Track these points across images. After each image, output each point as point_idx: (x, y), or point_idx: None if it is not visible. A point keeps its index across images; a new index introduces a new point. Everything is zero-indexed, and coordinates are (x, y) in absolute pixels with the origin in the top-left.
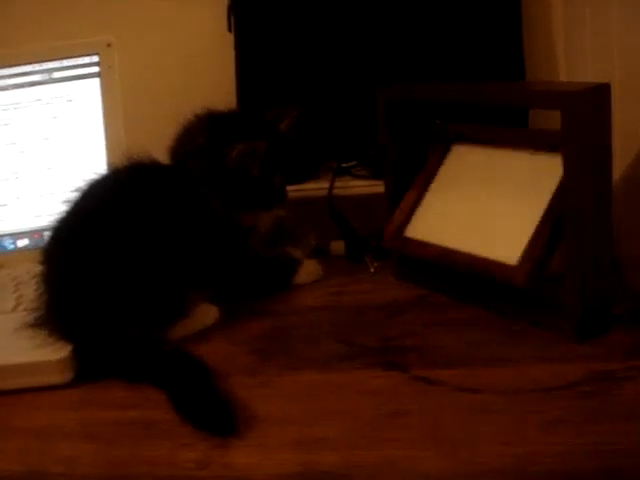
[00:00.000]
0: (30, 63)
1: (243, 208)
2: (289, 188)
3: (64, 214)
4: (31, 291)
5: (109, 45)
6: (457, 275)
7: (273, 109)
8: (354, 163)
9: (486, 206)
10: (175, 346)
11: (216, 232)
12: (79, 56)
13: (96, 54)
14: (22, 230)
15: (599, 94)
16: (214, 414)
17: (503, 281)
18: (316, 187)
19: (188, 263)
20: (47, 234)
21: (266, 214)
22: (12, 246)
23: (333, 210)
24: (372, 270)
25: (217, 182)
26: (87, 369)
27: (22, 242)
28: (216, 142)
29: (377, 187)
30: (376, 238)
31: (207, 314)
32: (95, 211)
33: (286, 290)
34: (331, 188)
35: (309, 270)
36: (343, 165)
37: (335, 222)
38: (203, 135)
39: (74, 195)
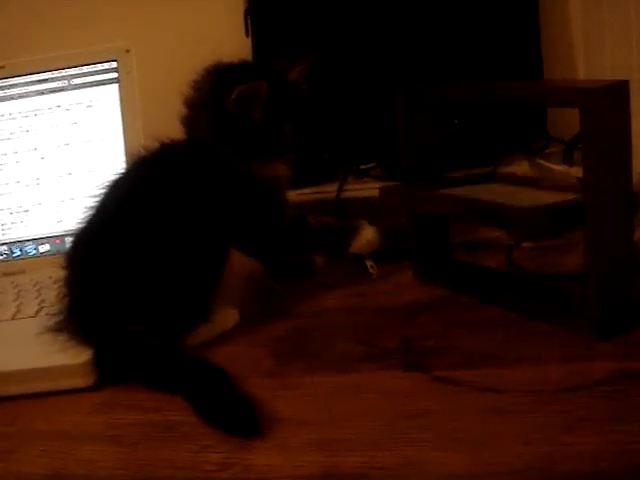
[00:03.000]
0: (50, 70)
1: (253, 157)
2: (307, 190)
3: (85, 219)
4: (53, 296)
5: (127, 51)
6: (479, 275)
7: (284, 60)
8: (373, 165)
9: None
10: (193, 353)
11: (243, 198)
12: (98, 62)
13: (115, 60)
14: (44, 235)
15: (618, 91)
16: (237, 415)
17: (518, 226)
18: (333, 190)
19: (216, 258)
20: (69, 239)
21: (281, 164)
22: (34, 251)
23: (339, 212)
24: (372, 273)
25: (222, 130)
26: (106, 374)
27: (44, 247)
28: (219, 87)
29: None
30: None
31: (227, 318)
32: (115, 214)
33: (342, 259)
34: (340, 190)
35: (368, 238)
36: (362, 167)
37: None
38: (208, 82)
39: (94, 198)
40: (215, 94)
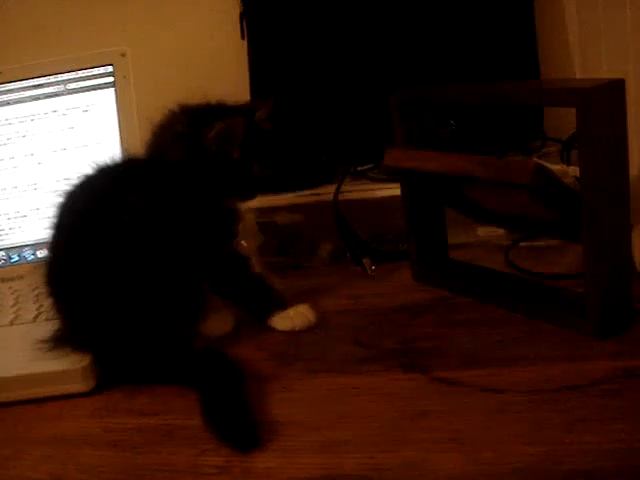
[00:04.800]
0: (45, 75)
1: (225, 194)
2: (305, 193)
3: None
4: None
5: (123, 55)
6: (477, 276)
7: (248, 101)
8: (370, 166)
9: None
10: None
11: (204, 221)
12: (94, 67)
13: (110, 64)
14: (42, 241)
15: (614, 90)
16: (239, 427)
17: (515, 180)
18: (332, 192)
19: (196, 261)
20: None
21: (246, 204)
22: (32, 257)
23: (337, 213)
24: (370, 274)
25: (198, 167)
26: (111, 375)
27: (42, 253)
28: (195, 126)
29: (393, 190)
30: (379, 241)
31: (223, 322)
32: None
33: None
34: (337, 191)
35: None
36: (360, 168)
37: (338, 226)
38: (181, 123)
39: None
40: (192, 133)
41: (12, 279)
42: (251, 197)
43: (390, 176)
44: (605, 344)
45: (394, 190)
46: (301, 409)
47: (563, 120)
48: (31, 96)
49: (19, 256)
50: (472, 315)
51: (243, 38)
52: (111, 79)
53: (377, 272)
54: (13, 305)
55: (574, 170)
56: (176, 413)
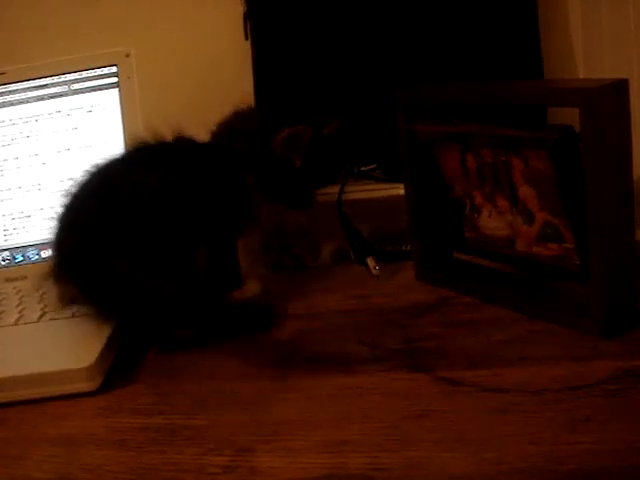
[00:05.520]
0: (50, 76)
1: (274, 198)
2: None
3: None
4: (56, 301)
5: (127, 56)
6: (481, 275)
7: (315, 117)
8: (373, 166)
9: None
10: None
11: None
12: (98, 67)
13: (115, 65)
14: (46, 241)
15: (617, 90)
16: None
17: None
18: (335, 192)
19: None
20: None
21: (290, 214)
22: (36, 257)
23: (341, 213)
24: (374, 273)
25: (260, 166)
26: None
27: (46, 253)
28: (267, 127)
29: (396, 190)
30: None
31: (253, 286)
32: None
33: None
34: (341, 191)
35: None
36: (362, 169)
37: (342, 226)
38: (255, 120)
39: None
40: (263, 133)
41: (16, 279)
42: (298, 208)
43: (394, 176)
44: (609, 344)
45: (398, 190)
46: (305, 409)
47: (566, 120)
48: (35, 96)
49: (23, 256)
50: (476, 315)
51: (247, 38)
52: (115, 79)
53: (381, 272)
54: (17, 305)
55: None
56: (181, 413)
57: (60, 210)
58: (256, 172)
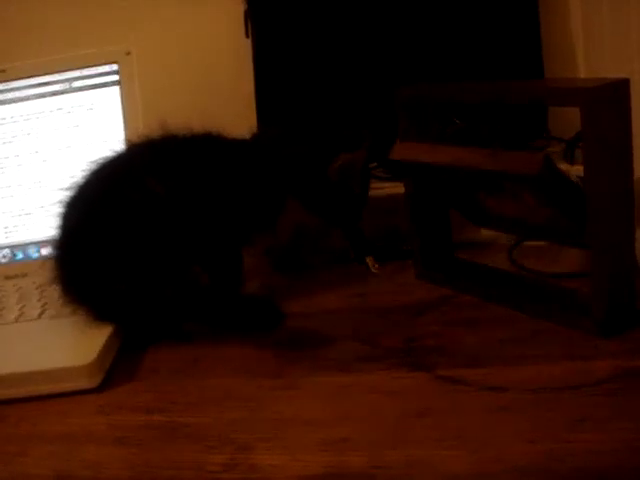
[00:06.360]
0: (50, 73)
1: (325, 218)
2: None
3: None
4: (56, 299)
5: (128, 53)
6: (481, 274)
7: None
8: (374, 165)
9: None
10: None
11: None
12: (99, 65)
13: (115, 62)
14: (46, 238)
15: (618, 90)
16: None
17: (519, 173)
18: None
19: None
20: None
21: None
22: (36, 254)
23: None
24: (373, 271)
25: (311, 191)
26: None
27: (46, 250)
28: (320, 153)
29: (397, 188)
30: (383, 240)
31: (253, 287)
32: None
33: None
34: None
35: None
36: None
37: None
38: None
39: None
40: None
41: (16, 276)
42: (346, 225)
43: (394, 174)
44: (609, 343)
45: (398, 188)
46: (305, 407)
47: (567, 119)
48: (36, 94)
49: (23, 253)
50: (476, 314)
51: (247, 36)
52: (116, 77)
53: (381, 271)
54: (17, 302)
55: (578, 170)
56: (181, 410)
57: (62, 215)
58: (304, 195)
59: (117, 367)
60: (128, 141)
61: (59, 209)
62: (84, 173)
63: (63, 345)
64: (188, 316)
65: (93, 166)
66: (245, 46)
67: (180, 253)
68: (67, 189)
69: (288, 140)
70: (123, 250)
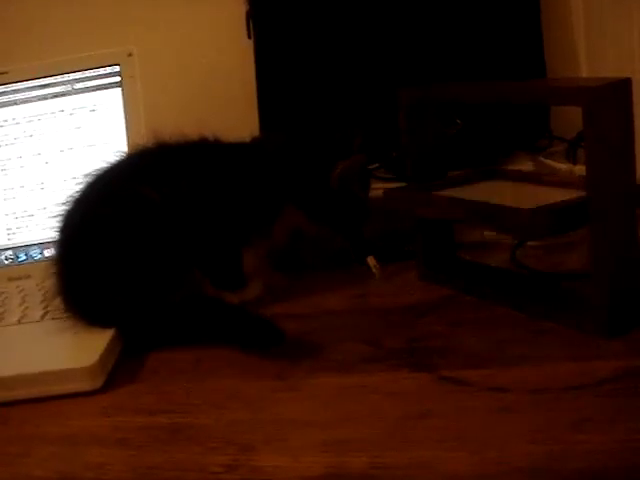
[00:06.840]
0: (52, 75)
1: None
2: None
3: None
4: (59, 300)
5: (130, 55)
6: (484, 275)
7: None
8: (376, 166)
9: None
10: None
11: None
12: (101, 67)
13: (117, 64)
14: (49, 240)
15: (620, 89)
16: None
17: (519, 229)
18: None
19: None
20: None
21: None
22: (39, 256)
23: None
24: (374, 272)
25: (313, 200)
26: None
27: (49, 252)
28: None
29: None
30: (385, 241)
31: (256, 287)
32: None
33: None
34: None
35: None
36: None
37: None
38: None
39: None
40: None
41: (19, 278)
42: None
43: (396, 175)
44: (612, 344)
45: None
46: (307, 408)
47: (569, 119)
48: (38, 96)
49: (26, 255)
50: (478, 314)
51: (249, 37)
52: (118, 79)
53: (382, 271)
54: (20, 304)
55: (580, 169)
56: (183, 412)
57: (60, 229)
58: (308, 206)
59: (119, 368)
60: (123, 152)
61: (57, 223)
62: (81, 186)
63: (65, 347)
64: (188, 326)
65: (89, 178)
66: (247, 47)
67: (178, 259)
68: (63, 203)
69: (290, 147)
70: (121, 259)
